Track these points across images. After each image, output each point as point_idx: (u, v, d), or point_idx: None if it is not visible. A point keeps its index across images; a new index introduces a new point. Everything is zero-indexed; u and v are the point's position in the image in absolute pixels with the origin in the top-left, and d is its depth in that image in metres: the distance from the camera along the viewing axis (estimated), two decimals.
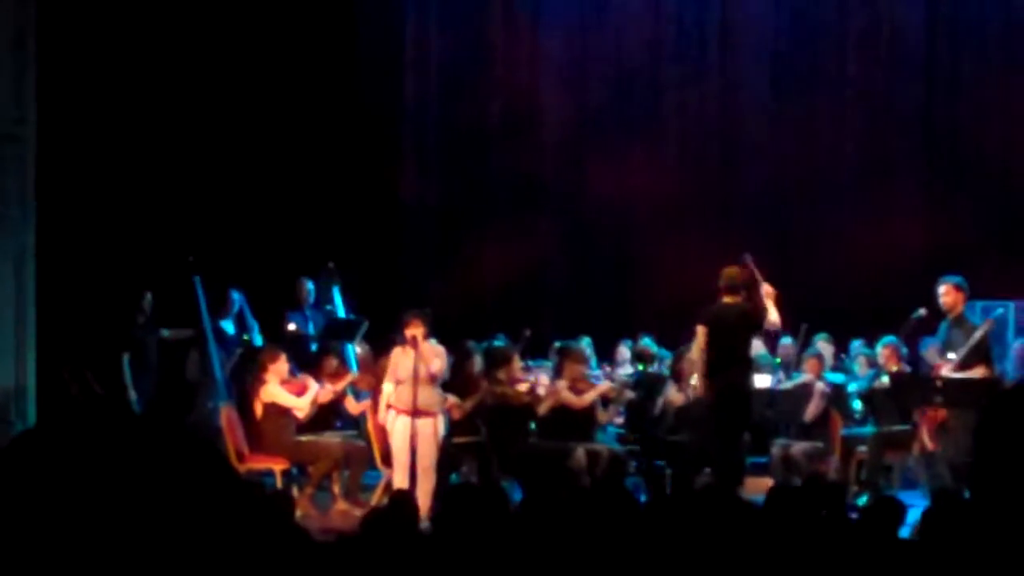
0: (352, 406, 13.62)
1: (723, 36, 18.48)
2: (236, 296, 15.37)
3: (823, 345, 15.31)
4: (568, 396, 13.37)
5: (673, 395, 13.97)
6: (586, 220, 18.66)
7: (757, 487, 12.39)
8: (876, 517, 7.61)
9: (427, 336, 12.60)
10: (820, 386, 13.79)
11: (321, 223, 17.36)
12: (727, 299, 12.78)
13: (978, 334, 12.45)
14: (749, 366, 12.90)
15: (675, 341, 15.22)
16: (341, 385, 13.43)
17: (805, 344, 14.73)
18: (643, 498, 12.50)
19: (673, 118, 18.69)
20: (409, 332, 12.38)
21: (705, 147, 18.63)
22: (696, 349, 12.98)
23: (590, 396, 13.41)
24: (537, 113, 18.74)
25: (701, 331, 12.83)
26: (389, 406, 12.57)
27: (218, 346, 14.87)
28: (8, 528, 2.83)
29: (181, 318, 14.88)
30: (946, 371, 12.56)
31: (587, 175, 18.65)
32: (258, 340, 15.09)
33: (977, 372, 12.43)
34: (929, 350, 14.72)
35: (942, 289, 12.83)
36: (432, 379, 12.43)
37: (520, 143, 18.75)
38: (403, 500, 8.14)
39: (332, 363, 13.84)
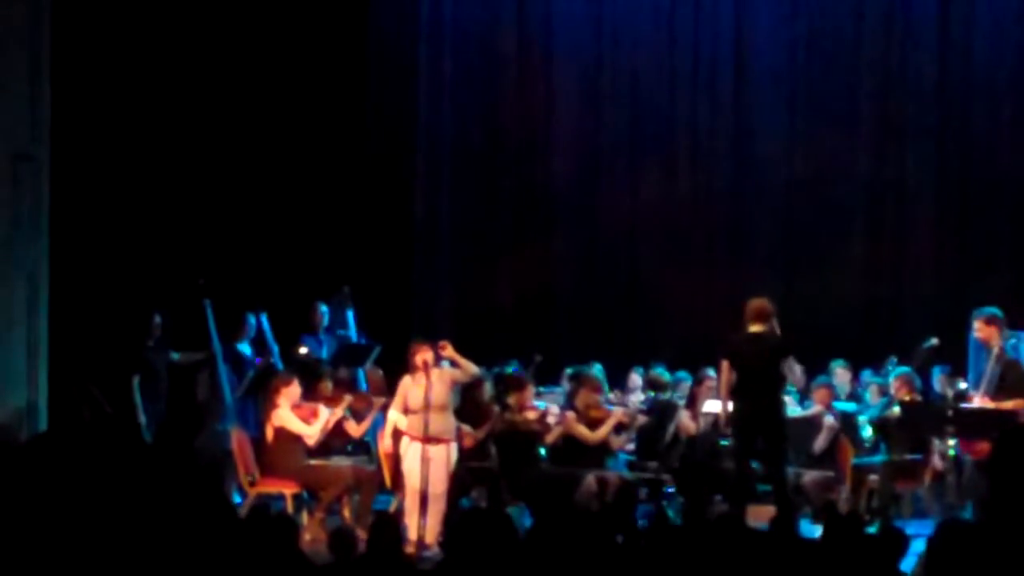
0: (353, 428, 13.62)
1: (737, 59, 18.48)
2: (252, 319, 15.37)
3: (840, 372, 15.28)
4: (583, 431, 13.34)
5: (686, 422, 13.94)
6: (598, 244, 18.65)
7: (763, 515, 12.38)
8: (879, 547, 7.59)
9: (438, 361, 12.60)
10: (829, 420, 13.76)
11: (334, 246, 17.37)
12: (754, 328, 12.73)
13: (993, 365, 12.37)
14: (779, 394, 12.85)
15: (687, 366, 15.21)
16: (341, 408, 13.42)
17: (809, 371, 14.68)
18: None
19: (686, 141, 18.67)
20: (420, 358, 12.36)
21: (718, 171, 18.60)
22: (722, 383, 12.95)
23: (604, 431, 13.38)
24: (550, 137, 18.74)
25: (725, 365, 12.79)
26: (398, 433, 12.56)
27: (234, 368, 14.88)
28: (10, 521, 2.85)
29: (192, 341, 14.88)
30: (977, 402, 12.48)
31: (600, 198, 18.65)
32: (280, 364, 15.08)
33: (1008, 405, 12.31)
34: (940, 378, 14.70)
35: (975, 325, 12.77)
36: (444, 408, 12.42)
37: (533, 166, 18.75)
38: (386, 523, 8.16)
39: (326, 387, 13.82)
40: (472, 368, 12.70)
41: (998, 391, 12.41)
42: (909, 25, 18.18)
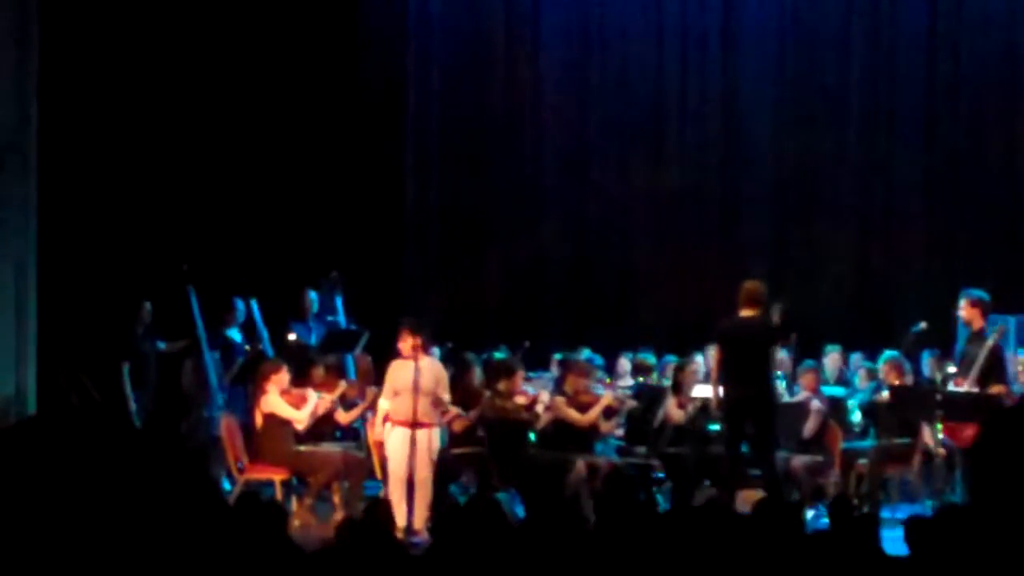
0: (342, 416, 13.62)
1: (725, 47, 18.48)
2: (241, 305, 15.37)
3: (834, 356, 15.29)
4: (572, 414, 13.35)
5: (673, 409, 13.93)
6: (588, 230, 18.66)
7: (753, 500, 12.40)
8: (852, 531, 7.64)
9: (427, 347, 12.59)
10: (816, 404, 13.74)
11: (323, 232, 17.37)
12: (746, 312, 12.68)
13: (985, 350, 12.44)
14: (771, 379, 12.82)
15: (676, 351, 15.22)
16: (336, 394, 13.42)
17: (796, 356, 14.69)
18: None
19: (674, 129, 18.69)
20: (403, 345, 12.37)
21: (708, 158, 18.61)
22: (713, 368, 12.94)
23: (594, 413, 13.38)
24: (539, 124, 18.74)
25: (717, 350, 12.76)
26: (386, 419, 12.56)
27: (223, 355, 14.88)
28: None
29: (178, 328, 14.88)
30: (965, 388, 12.54)
31: (589, 185, 18.65)
32: (270, 350, 15.08)
33: (995, 390, 12.40)
34: (929, 361, 14.73)
35: (960, 304, 12.89)
36: (429, 395, 12.41)
37: (522, 153, 18.75)
38: (379, 509, 8.18)
39: (319, 373, 13.83)
40: (452, 411, 12.83)
41: (985, 377, 12.47)
42: (897, 14, 18.19)
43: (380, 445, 12.90)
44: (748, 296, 12.71)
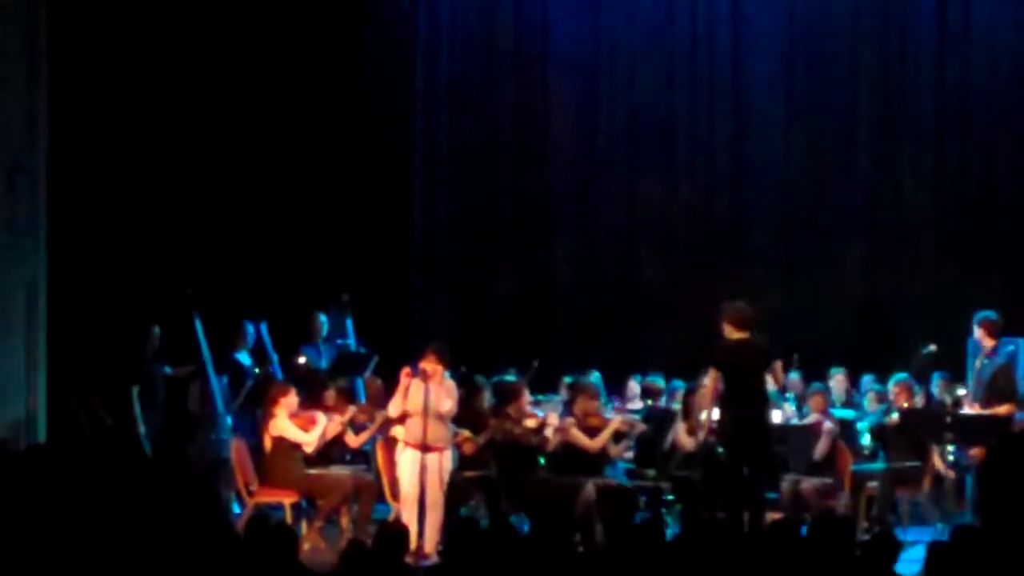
0: (351, 439, 13.61)
1: (735, 62, 18.48)
2: (251, 329, 15.37)
3: (839, 378, 15.28)
4: (582, 438, 13.32)
5: (683, 436, 13.89)
6: (597, 249, 18.66)
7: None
8: (872, 552, 7.62)
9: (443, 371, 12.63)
10: (828, 425, 13.73)
11: (333, 255, 17.38)
12: (737, 335, 12.67)
13: (987, 372, 12.50)
14: (767, 401, 12.84)
15: (686, 373, 15.19)
16: (347, 417, 13.42)
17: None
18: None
19: (684, 146, 18.68)
20: (422, 365, 12.40)
21: (716, 175, 18.61)
22: (707, 391, 12.92)
23: (603, 437, 13.35)
24: (547, 142, 18.73)
25: (713, 374, 12.75)
26: (393, 440, 12.62)
27: (232, 378, 14.87)
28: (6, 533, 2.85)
29: (184, 352, 14.87)
30: (967, 409, 12.59)
31: (598, 203, 18.65)
32: (280, 373, 15.08)
33: (1001, 410, 12.44)
34: (939, 384, 14.72)
35: (975, 324, 13.10)
36: (441, 418, 12.44)
37: (530, 172, 18.74)
38: (393, 532, 8.17)
39: (331, 396, 13.84)
40: (462, 434, 13.00)
41: (990, 395, 12.50)
42: (906, 26, 18.19)
43: (390, 466, 12.90)
44: (738, 319, 12.71)
